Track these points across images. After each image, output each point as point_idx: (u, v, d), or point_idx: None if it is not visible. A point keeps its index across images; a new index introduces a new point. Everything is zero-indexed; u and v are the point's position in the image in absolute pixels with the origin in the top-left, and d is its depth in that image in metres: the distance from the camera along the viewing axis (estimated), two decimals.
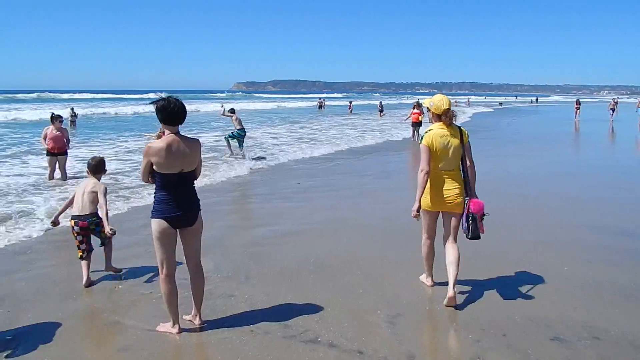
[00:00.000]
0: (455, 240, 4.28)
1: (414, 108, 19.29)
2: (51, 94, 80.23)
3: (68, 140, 10.54)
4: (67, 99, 66.11)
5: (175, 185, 3.51)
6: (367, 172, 11.52)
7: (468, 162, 4.22)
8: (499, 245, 5.64)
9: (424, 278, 4.64)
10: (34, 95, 75.54)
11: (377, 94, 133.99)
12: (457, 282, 4.17)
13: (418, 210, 4.24)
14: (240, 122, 14.35)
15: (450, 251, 4.23)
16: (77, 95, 77.39)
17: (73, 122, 26.44)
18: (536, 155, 14.54)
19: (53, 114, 10.68)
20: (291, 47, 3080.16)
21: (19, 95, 75.11)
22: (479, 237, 4.17)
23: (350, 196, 8.77)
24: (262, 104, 56.87)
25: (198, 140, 3.68)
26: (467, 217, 4.14)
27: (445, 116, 4.14)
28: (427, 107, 4.26)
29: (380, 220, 6.98)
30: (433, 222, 4.37)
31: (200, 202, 3.70)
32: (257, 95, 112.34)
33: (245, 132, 14.45)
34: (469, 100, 68.20)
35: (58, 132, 10.28)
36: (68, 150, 10.63)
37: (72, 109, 28.11)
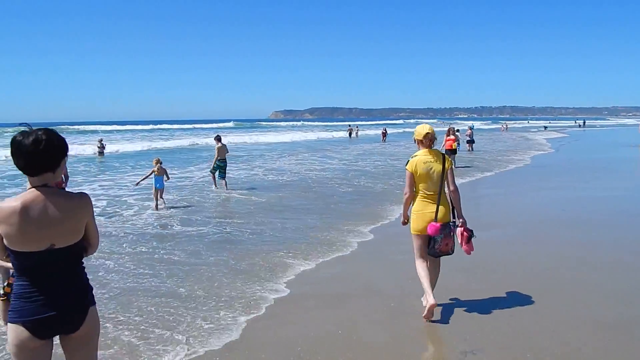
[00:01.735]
0: (431, 254, 4.65)
1: (448, 135, 18.24)
2: (78, 127, 78.92)
3: (66, 177, 9.82)
4: (93, 131, 66.07)
5: (42, 269, 2.28)
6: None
7: (451, 187, 4.53)
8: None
9: (424, 298, 4.65)
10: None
11: (412, 120, 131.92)
12: None
13: (404, 223, 4.75)
14: (221, 152, 13.42)
15: (429, 266, 4.65)
16: (109, 127, 76.51)
17: (101, 153, 26.44)
18: (597, 187, 12.80)
19: None
20: (328, 74, 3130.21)
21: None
22: (436, 255, 4.60)
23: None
24: (303, 134, 53.54)
25: (83, 195, 2.44)
26: (429, 236, 4.55)
27: (426, 139, 4.54)
28: (413, 138, 4.69)
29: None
30: (422, 244, 4.60)
31: (92, 292, 2.48)
32: (294, 122, 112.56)
33: (226, 162, 13.49)
34: (506, 126, 65.05)
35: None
36: (65, 187, 9.83)
37: (101, 140, 28.18)
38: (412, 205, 4.62)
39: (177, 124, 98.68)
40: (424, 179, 4.45)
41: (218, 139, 13.93)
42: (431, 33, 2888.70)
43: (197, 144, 37.43)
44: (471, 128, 27.52)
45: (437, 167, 4.45)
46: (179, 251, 7.10)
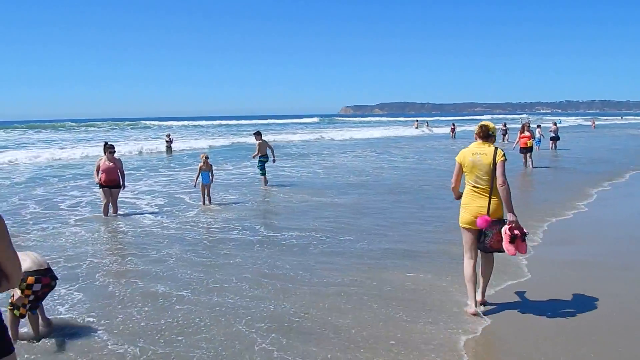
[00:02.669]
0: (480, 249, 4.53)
1: (522, 131, 16.93)
2: (150, 122, 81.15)
3: (123, 174, 9.66)
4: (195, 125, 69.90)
5: None
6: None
7: (499, 181, 4.30)
8: None
9: (467, 307, 4.51)
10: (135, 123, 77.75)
11: (488, 116, 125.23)
12: None
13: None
14: (262, 148, 13.15)
15: (482, 262, 4.59)
16: (185, 123, 78.80)
17: (169, 147, 26.86)
18: None
19: (106, 143, 9.90)
20: (399, 68, 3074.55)
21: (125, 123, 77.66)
22: (486, 251, 4.44)
23: None
24: (379, 132, 46.89)
25: None
26: (481, 231, 4.40)
27: (481, 131, 4.50)
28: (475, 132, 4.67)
29: None
30: (471, 240, 4.48)
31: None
32: (365, 119, 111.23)
33: (267, 158, 13.22)
34: (594, 122, 59.67)
35: (111, 164, 9.44)
36: (124, 183, 9.87)
37: (169, 135, 28.62)
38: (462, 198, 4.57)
39: (247, 119, 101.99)
40: (471, 170, 4.41)
41: (258, 135, 13.50)
42: (508, 17, 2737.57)
43: (274, 140, 34.36)
44: (556, 124, 25.46)
45: (486, 159, 4.36)
46: (283, 262, 6.10)
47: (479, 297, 4.56)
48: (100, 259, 6.54)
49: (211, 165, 10.91)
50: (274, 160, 13.44)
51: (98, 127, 65.73)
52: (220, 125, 74.29)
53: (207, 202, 10.54)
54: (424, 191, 11.91)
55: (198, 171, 10.75)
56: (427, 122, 56.13)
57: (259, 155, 13.12)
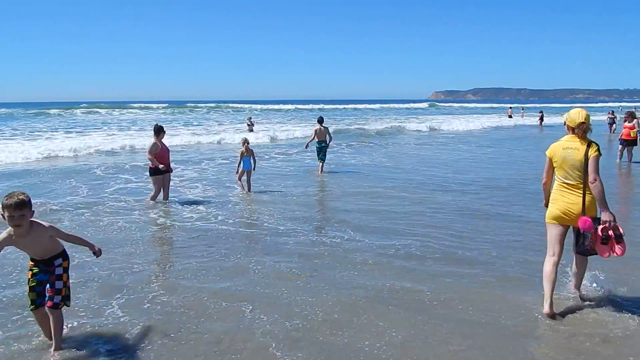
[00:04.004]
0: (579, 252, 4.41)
1: (625, 121, 15.38)
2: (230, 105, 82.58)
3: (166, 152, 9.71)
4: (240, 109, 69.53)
5: None
6: None
7: (590, 177, 4.12)
8: None
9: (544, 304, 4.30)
10: (212, 105, 78.44)
11: (592, 104, 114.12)
12: None
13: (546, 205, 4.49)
14: (320, 134, 13.07)
15: (575, 262, 4.50)
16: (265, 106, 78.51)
17: (251, 130, 26.99)
18: None
19: (157, 125, 9.78)
20: (493, 52, 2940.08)
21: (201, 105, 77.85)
22: (586, 254, 4.33)
23: None
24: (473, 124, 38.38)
25: None
26: (578, 232, 4.27)
27: (579, 129, 4.22)
28: (564, 122, 4.39)
29: None
30: (555, 236, 4.33)
31: None
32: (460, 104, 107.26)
33: (324, 144, 13.14)
34: None
35: (165, 147, 9.53)
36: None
37: (250, 118, 29.16)
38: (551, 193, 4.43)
39: (335, 103, 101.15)
40: (562, 165, 4.27)
41: (320, 120, 13.48)
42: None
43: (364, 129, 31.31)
44: None
45: (578, 154, 4.19)
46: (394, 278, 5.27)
47: (572, 287, 4.61)
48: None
49: (252, 151, 10.62)
50: (327, 146, 13.24)
51: (196, 109, 66.97)
52: (302, 109, 74.26)
53: (246, 190, 10.34)
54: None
55: (239, 157, 10.48)
56: (522, 109, 52.61)
57: (317, 141, 13.01)
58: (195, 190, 10.72)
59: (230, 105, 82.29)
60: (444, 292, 4.85)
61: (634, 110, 16.93)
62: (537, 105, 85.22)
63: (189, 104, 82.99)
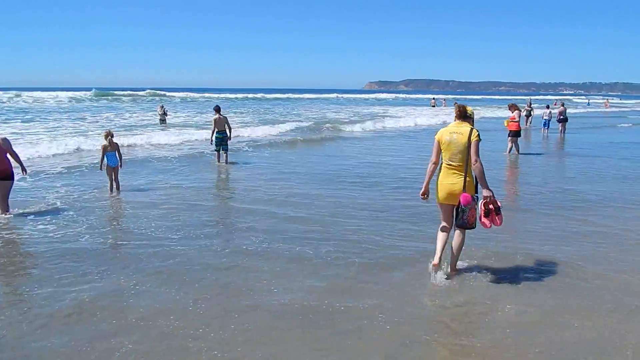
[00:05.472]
0: (457, 227, 4.90)
1: (516, 110, 15.24)
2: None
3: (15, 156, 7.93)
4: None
5: None
6: None
7: (472, 158, 4.62)
8: None
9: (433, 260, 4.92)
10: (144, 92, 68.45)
11: (511, 97, 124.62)
12: None
13: (423, 194, 4.94)
14: (219, 123, 12.63)
15: (454, 237, 4.95)
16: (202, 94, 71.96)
17: (162, 120, 25.92)
18: None
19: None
20: (424, 44, 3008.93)
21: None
22: (465, 227, 4.79)
23: None
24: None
25: None
26: (458, 208, 4.76)
27: (456, 112, 4.84)
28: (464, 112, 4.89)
29: None
30: (445, 213, 4.93)
31: None
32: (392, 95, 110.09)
33: (225, 134, 12.76)
34: (607, 103, 64.16)
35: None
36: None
37: (162, 107, 27.33)
38: (437, 175, 4.89)
39: (270, 92, 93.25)
40: (448, 148, 4.70)
41: (217, 109, 12.95)
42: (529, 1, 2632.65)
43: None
44: (563, 104, 23.83)
45: (462, 138, 4.66)
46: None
47: (449, 269, 4.96)
48: None
49: (117, 145, 9.37)
50: (229, 138, 12.90)
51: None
52: (228, 98, 68.51)
53: (114, 190, 9.25)
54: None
55: (102, 152, 9.17)
56: (444, 100, 56.14)
57: (216, 131, 12.64)
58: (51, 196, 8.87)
59: (159, 92, 72.13)
60: None
61: (521, 102, 17.47)
62: (466, 96, 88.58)
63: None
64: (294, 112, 40.56)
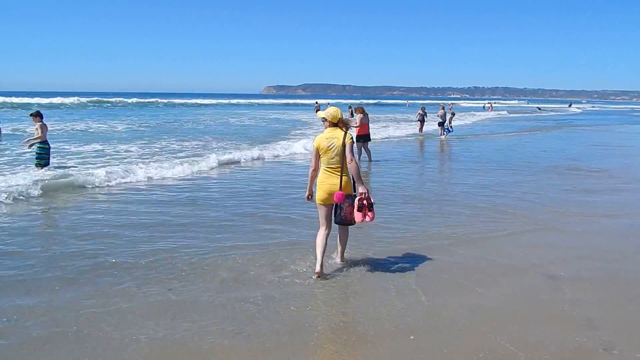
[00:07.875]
0: (337, 224, 5.26)
1: (359, 113, 14.50)
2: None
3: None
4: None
5: None
6: None
7: (347, 158, 5.00)
8: None
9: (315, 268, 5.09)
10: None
11: (404, 101, 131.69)
12: None
13: (308, 197, 5.36)
14: (41, 130, 10.42)
15: (339, 234, 5.37)
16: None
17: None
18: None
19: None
20: (321, 49, 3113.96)
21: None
22: (343, 223, 5.19)
23: None
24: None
25: None
26: (336, 206, 5.15)
27: (342, 123, 5.16)
28: (324, 117, 5.18)
29: None
30: (324, 214, 5.19)
31: None
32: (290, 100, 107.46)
33: (48, 145, 10.68)
34: (491, 105, 67.84)
35: None
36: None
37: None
38: (317, 178, 5.17)
39: (158, 97, 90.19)
40: (326, 152, 5.05)
41: (36, 115, 10.57)
42: (424, 9, 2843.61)
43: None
44: (443, 108, 23.89)
45: (338, 142, 5.04)
46: None
47: (338, 259, 5.43)
48: None
49: None
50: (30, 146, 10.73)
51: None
52: (105, 102, 61.20)
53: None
54: None
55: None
56: (329, 104, 54.33)
57: (40, 141, 10.46)
58: None
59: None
60: None
61: (354, 107, 16.22)
62: (363, 100, 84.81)
63: None
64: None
